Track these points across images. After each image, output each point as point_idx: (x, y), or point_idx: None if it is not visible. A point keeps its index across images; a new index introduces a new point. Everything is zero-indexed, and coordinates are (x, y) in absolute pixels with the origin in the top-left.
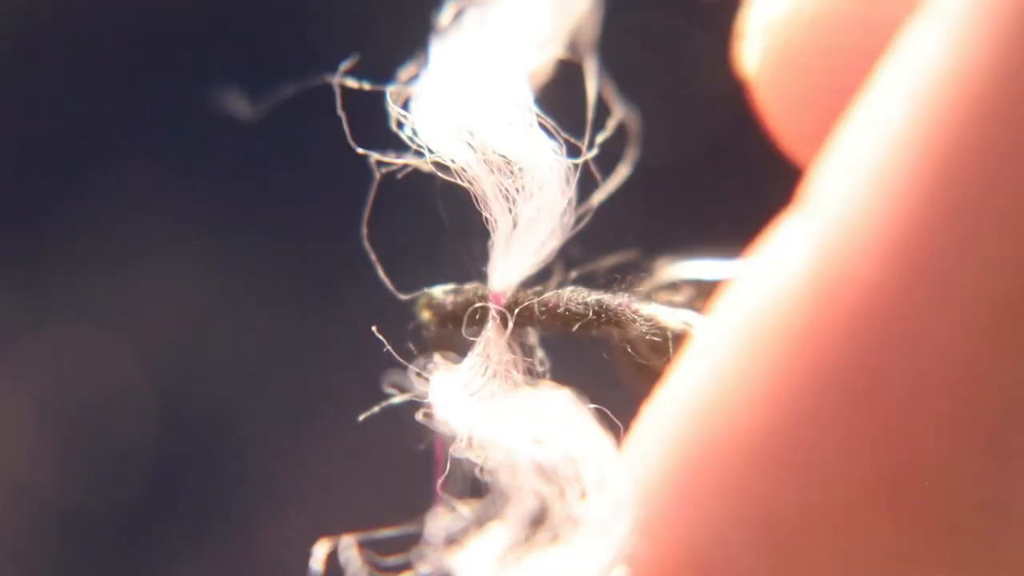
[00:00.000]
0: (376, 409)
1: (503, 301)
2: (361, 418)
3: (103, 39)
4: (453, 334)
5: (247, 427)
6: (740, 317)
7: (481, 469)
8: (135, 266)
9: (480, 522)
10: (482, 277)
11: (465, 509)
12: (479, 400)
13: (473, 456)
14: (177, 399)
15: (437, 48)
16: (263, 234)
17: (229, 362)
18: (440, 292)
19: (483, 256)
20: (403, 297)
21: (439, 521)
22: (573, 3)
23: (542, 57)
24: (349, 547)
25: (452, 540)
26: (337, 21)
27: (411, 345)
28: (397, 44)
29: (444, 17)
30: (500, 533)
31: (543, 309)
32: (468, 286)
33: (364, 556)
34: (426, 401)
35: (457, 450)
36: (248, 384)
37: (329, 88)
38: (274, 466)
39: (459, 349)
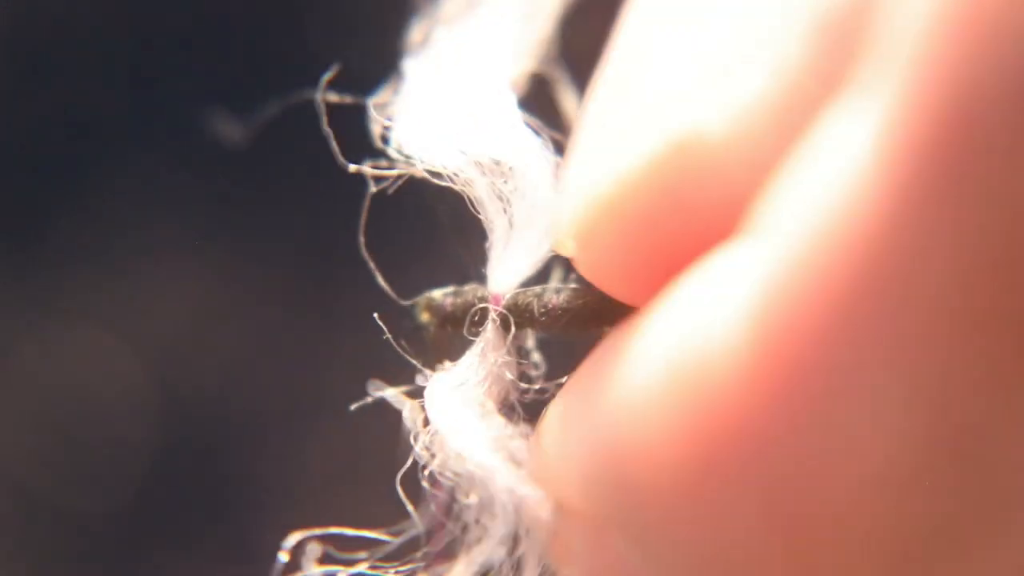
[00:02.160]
0: (369, 399)
1: (503, 302)
2: (353, 407)
3: (104, 40)
4: (453, 336)
5: (247, 427)
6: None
7: (453, 483)
8: (135, 266)
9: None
10: (481, 279)
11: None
12: (469, 408)
13: (450, 468)
14: (177, 399)
15: (413, 59)
16: (263, 234)
17: (229, 362)
18: (440, 294)
19: (482, 258)
20: (404, 303)
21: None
22: (543, 11)
23: (518, 65)
24: (312, 545)
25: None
26: (338, 24)
27: (410, 347)
28: (390, 51)
29: (417, 30)
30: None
31: (543, 310)
32: (468, 288)
33: (338, 554)
34: (418, 401)
35: (439, 460)
36: (248, 384)
37: (328, 89)
38: (273, 466)
39: (459, 351)
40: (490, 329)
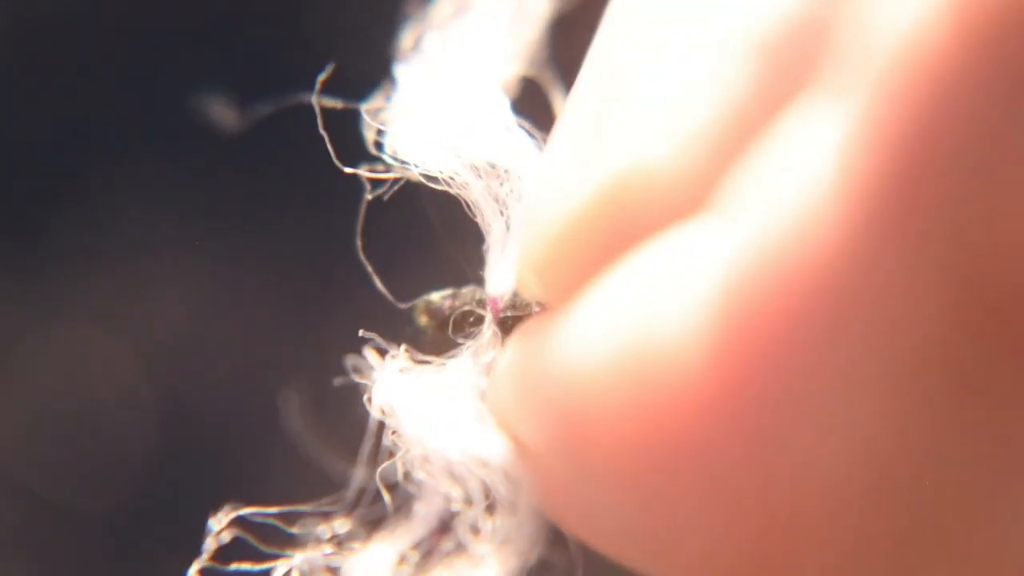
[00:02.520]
0: (348, 378)
1: (501, 304)
2: (337, 383)
3: (103, 39)
4: (451, 338)
5: (246, 427)
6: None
7: (400, 463)
8: (135, 266)
9: (391, 518)
10: (479, 281)
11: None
12: (419, 394)
13: (398, 447)
14: (177, 399)
15: (406, 63)
16: (263, 234)
17: (229, 362)
18: (438, 297)
19: (479, 260)
20: (402, 306)
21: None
22: (533, 15)
23: (510, 68)
24: (229, 516)
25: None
26: (331, 29)
27: (409, 348)
28: (383, 55)
29: (409, 35)
30: (397, 540)
31: (541, 310)
32: (465, 290)
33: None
34: (373, 384)
35: (388, 438)
36: (248, 384)
37: (326, 91)
38: (272, 466)
39: (457, 352)
40: (488, 329)
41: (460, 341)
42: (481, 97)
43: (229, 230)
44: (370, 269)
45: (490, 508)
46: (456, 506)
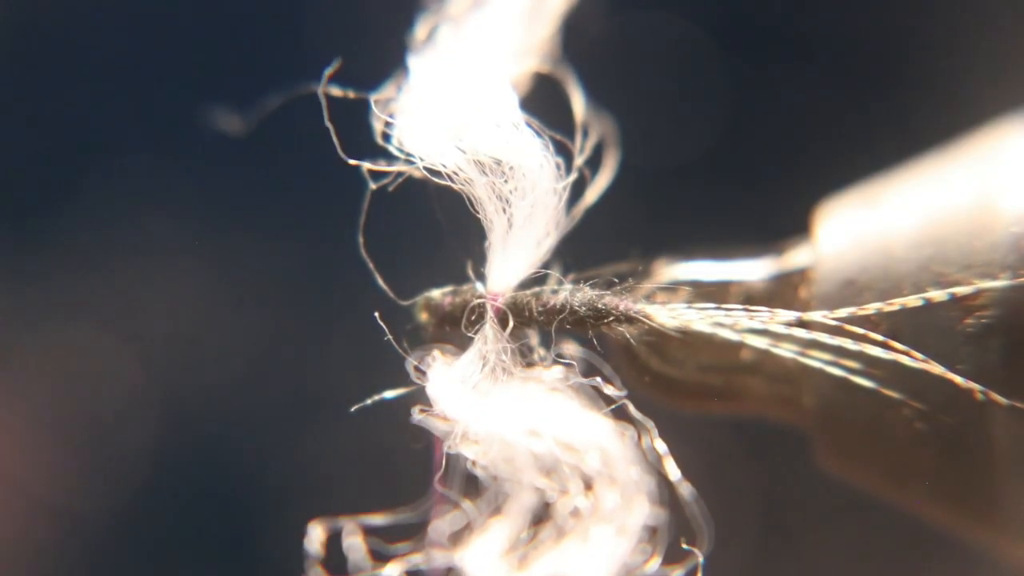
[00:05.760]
0: (370, 401)
1: (501, 301)
2: (354, 409)
3: (103, 39)
4: (451, 335)
5: (247, 427)
6: None
7: (476, 464)
8: (135, 266)
9: (481, 517)
10: (480, 278)
11: (466, 504)
12: (475, 394)
13: (470, 451)
14: (177, 399)
15: (417, 59)
16: (263, 234)
17: (229, 362)
18: (439, 294)
19: (481, 257)
20: (404, 303)
21: (441, 515)
22: (545, 14)
23: (520, 65)
24: (351, 531)
25: (453, 536)
26: (341, 22)
27: (409, 345)
28: (394, 48)
29: (420, 30)
30: (501, 529)
31: (541, 309)
32: (466, 287)
33: (365, 543)
34: (424, 394)
35: (454, 445)
36: (248, 384)
37: (331, 88)
38: (273, 466)
39: (457, 349)
40: (488, 328)
41: (463, 338)
42: (490, 93)
43: (229, 229)
44: (371, 265)
45: (589, 488)
46: (551, 495)
